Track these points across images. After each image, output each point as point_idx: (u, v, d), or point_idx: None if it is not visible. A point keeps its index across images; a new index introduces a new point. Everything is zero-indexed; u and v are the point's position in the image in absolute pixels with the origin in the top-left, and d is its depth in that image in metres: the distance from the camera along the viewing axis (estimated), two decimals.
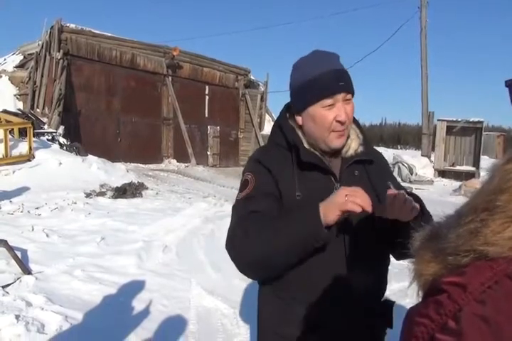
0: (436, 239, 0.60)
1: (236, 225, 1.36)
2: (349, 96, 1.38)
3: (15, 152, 10.87)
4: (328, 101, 1.35)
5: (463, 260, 0.54)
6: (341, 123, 1.36)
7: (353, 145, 1.49)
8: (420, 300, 0.59)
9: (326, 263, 1.34)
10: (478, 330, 0.48)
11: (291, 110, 1.50)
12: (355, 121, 1.53)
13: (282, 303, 1.40)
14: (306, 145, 1.44)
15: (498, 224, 0.52)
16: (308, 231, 1.22)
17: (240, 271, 1.36)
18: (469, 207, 0.58)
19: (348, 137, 1.48)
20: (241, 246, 1.31)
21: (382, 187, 1.48)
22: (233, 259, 1.34)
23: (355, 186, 1.41)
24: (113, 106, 19.06)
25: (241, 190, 1.44)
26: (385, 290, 1.51)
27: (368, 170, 1.49)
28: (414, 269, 0.62)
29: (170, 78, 20.99)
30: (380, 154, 1.62)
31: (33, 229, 6.14)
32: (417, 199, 1.36)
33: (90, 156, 12.48)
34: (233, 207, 1.44)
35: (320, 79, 1.35)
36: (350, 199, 1.19)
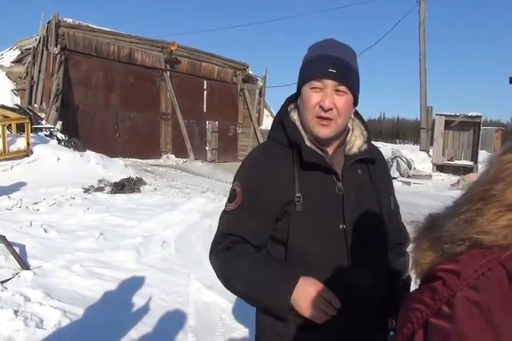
0: (434, 229, 0.61)
1: (215, 245, 1.42)
2: (342, 87, 1.33)
3: (13, 147, 10.85)
4: (317, 84, 1.33)
5: (458, 248, 0.55)
6: (323, 109, 1.32)
7: (357, 143, 1.45)
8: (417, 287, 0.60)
9: (326, 261, 1.33)
10: (471, 315, 0.49)
11: (292, 103, 1.48)
12: (359, 118, 1.50)
13: None
14: (307, 142, 1.39)
15: (493, 212, 0.53)
16: (271, 308, 1.29)
17: None
18: (466, 196, 0.59)
19: (352, 133, 1.45)
20: (218, 275, 1.41)
21: (383, 191, 1.47)
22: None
23: (358, 185, 1.41)
24: (111, 102, 19.03)
25: (229, 200, 1.44)
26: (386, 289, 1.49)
27: (371, 170, 1.46)
28: (412, 258, 0.62)
29: (168, 73, 20.95)
30: (381, 154, 1.59)
31: (31, 225, 6.14)
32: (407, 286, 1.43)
33: (88, 151, 12.47)
34: (220, 215, 1.47)
35: (314, 61, 1.36)
36: (320, 315, 1.23)
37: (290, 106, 1.49)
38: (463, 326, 0.48)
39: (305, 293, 1.24)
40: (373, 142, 1.61)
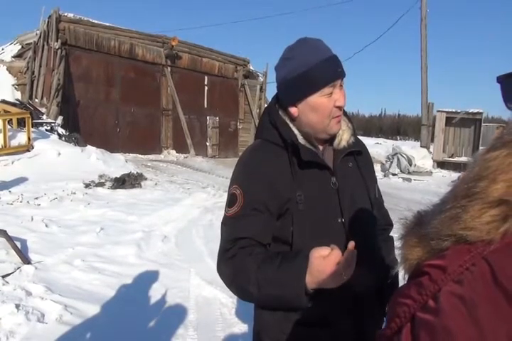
0: (421, 226, 0.63)
1: (223, 253, 1.35)
2: (342, 81, 1.37)
3: (14, 142, 10.86)
4: (329, 90, 1.33)
5: (444, 244, 0.57)
6: (340, 108, 1.36)
7: (345, 137, 1.46)
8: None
9: None
10: (455, 308, 0.50)
11: (280, 102, 1.46)
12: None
13: None
14: (301, 140, 1.40)
15: (477, 209, 0.55)
16: (289, 300, 1.22)
17: None
18: (451, 194, 0.61)
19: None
20: (229, 284, 1.34)
21: (369, 179, 1.51)
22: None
23: (350, 178, 1.43)
24: (112, 97, 19.01)
25: (229, 205, 1.39)
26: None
27: (358, 160, 1.49)
28: (401, 254, 0.64)
29: (169, 68, 20.92)
30: (363, 144, 1.60)
31: (32, 219, 6.17)
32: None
33: (89, 147, 12.48)
34: (222, 223, 1.42)
35: (319, 68, 1.32)
36: (345, 277, 1.17)
37: (276, 105, 1.47)
38: (447, 319, 0.50)
39: (319, 269, 1.17)
40: (374, 138, 1.62)
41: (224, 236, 1.39)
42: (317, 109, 1.35)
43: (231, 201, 1.39)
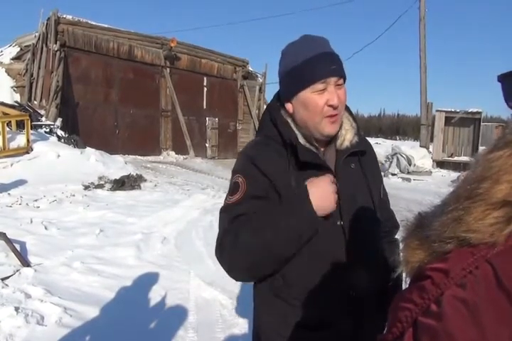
0: (423, 228, 0.62)
1: (224, 231, 1.31)
2: (341, 81, 1.33)
3: (13, 144, 10.85)
4: (320, 86, 1.29)
5: (446, 246, 0.56)
6: (333, 107, 1.31)
7: (348, 137, 1.42)
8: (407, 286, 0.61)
9: (326, 259, 1.32)
10: (458, 312, 0.49)
11: (280, 99, 1.43)
12: (347, 110, 1.46)
13: (283, 304, 1.35)
14: (301, 140, 1.37)
15: (480, 211, 0.54)
16: (304, 225, 1.23)
17: (230, 277, 1.34)
18: (453, 195, 0.60)
19: (342, 127, 1.42)
20: (230, 256, 1.28)
21: (374, 180, 1.48)
22: (223, 267, 1.32)
23: (352, 180, 1.40)
24: (111, 98, 19.01)
25: (231, 193, 1.36)
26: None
27: (361, 161, 1.45)
28: (402, 257, 0.63)
29: (168, 70, 20.92)
30: (369, 143, 1.57)
31: (31, 222, 6.15)
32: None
33: (88, 148, 12.46)
34: (221, 211, 1.37)
35: (311, 63, 1.30)
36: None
37: (278, 103, 1.45)
38: (449, 323, 0.49)
39: (325, 190, 1.27)
40: (374, 138, 1.59)
41: (225, 220, 1.33)
42: (307, 106, 1.32)
43: (234, 189, 1.35)
